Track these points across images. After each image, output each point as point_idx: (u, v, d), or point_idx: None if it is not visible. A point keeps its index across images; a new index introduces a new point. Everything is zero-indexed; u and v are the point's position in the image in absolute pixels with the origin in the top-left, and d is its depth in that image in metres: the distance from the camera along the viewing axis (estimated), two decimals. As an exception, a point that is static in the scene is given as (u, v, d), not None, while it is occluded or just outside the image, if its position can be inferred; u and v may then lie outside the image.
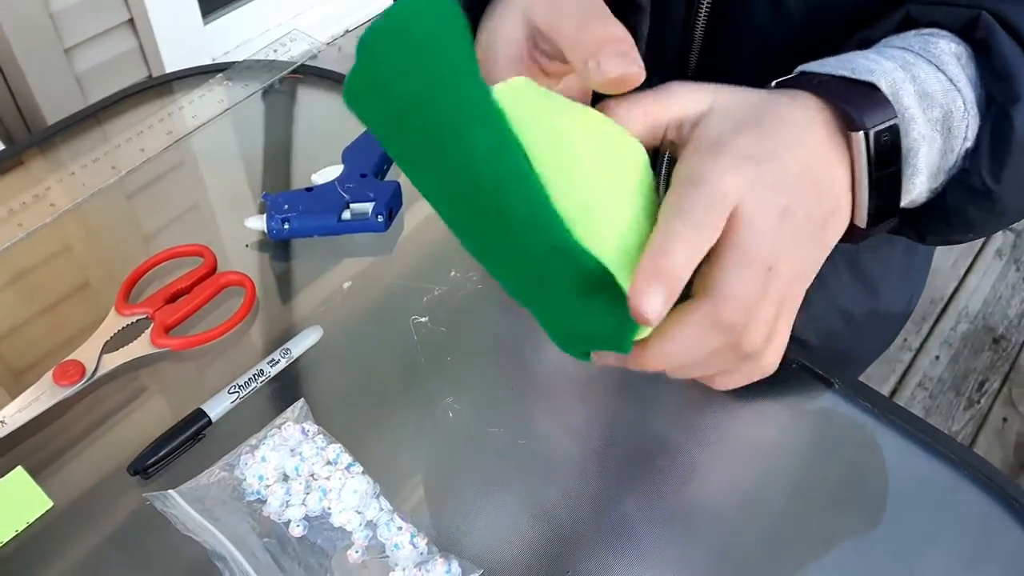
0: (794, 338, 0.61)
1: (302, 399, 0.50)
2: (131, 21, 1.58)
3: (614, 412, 0.53)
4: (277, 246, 0.61)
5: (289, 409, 0.50)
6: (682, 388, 0.55)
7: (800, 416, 0.55)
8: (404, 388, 0.53)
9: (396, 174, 0.67)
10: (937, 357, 1.70)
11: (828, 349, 0.64)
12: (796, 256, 0.33)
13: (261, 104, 0.72)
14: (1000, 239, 1.95)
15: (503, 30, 0.35)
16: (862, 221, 0.36)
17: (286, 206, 0.60)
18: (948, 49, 0.36)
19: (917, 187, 0.37)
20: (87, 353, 0.52)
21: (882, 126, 0.33)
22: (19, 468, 0.47)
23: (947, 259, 1.88)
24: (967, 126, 0.36)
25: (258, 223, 0.60)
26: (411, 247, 0.62)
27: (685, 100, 0.33)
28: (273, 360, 0.52)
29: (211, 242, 0.60)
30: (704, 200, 0.30)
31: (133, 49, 1.62)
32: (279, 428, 0.49)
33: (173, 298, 0.55)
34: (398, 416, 0.51)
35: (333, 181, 0.62)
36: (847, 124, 0.34)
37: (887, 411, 0.54)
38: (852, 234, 0.37)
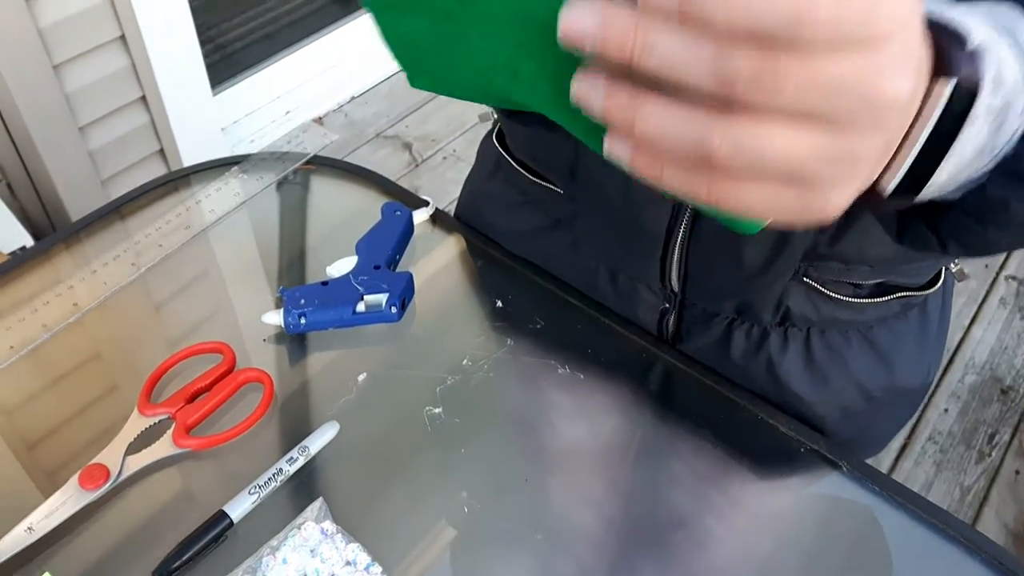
0: (810, 420, 0.62)
1: (320, 498, 0.52)
2: (143, 98, 1.63)
3: (629, 489, 0.54)
4: (293, 340, 0.62)
5: (308, 508, 0.51)
6: (696, 462, 0.56)
7: (810, 495, 0.56)
8: (420, 483, 0.54)
9: (407, 264, 0.69)
10: (946, 410, 1.70)
11: (847, 429, 0.64)
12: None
13: (276, 196, 0.74)
14: (1004, 288, 1.96)
15: None
16: (892, 179, 0.32)
17: (302, 300, 0.62)
18: None
19: (942, 173, 0.33)
20: (111, 455, 0.53)
21: (967, 80, 0.30)
22: (47, 575, 0.48)
23: (951, 310, 1.89)
24: (1018, 127, 0.33)
25: (275, 318, 0.61)
26: (423, 336, 0.64)
27: None
28: (291, 458, 0.53)
29: (229, 336, 0.61)
30: None
31: (145, 124, 1.66)
32: (299, 528, 0.50)
33: (194, 397, 0.57)
34: (415, 513, 0.52)
35: (348, 274, 0.64)
36: (937, 68, 0.30)
37: (893, 492, 0.55)
38: (867, 198, 0.32)
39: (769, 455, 0.58)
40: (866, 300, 0.57)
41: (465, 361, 0.61)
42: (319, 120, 2.21)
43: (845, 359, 0.61)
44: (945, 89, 0.30)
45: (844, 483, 0.56)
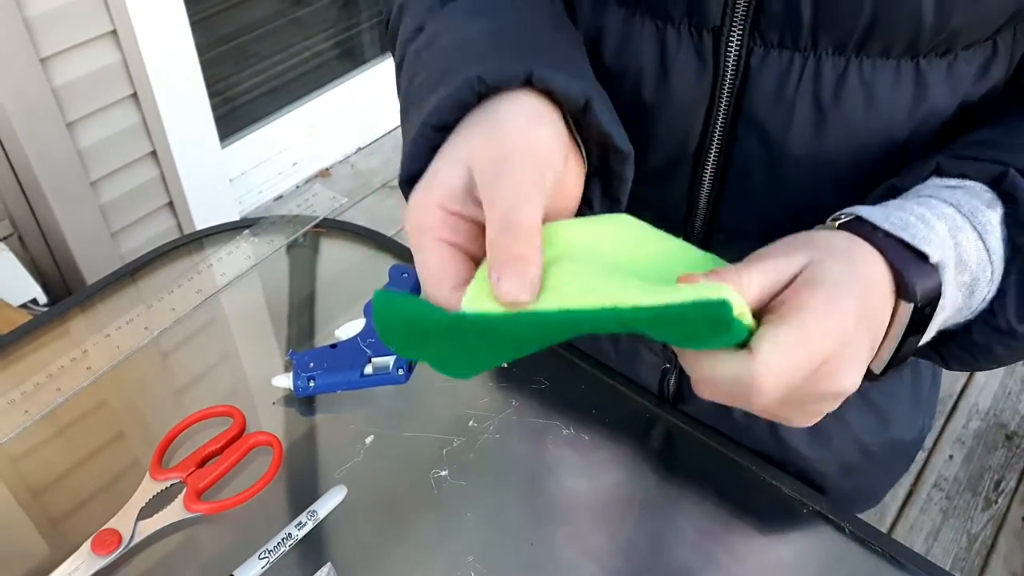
0: (811, 475, 0.63)
1: (328, 563, 0.52)
2: (153, 152, 1.66)
3: (635, 550, 0.55)
4: (302, 402, 0.64)
5: (317, 574, 0.52)
6: (702, 523, 0.57)
7: (813, 554, 0.57)
8: (426, 548, 0.55)
9: (414, 325, 0.70)
10: (951, 456, 1.70)
11: (847, 483, 0.66)
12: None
13: (286, 259, 0.76)
14: (1004, 333, 1.96)
15: (440, 174, 0.36)
16: (878, 368, 0.39)
17: (311, 364, 0.63)
18: (993, 219, 0.38)
19: (924, 338, 0.39)
20: (123, 521, 0.54)
21: (928, 298, 0.36)
22: (59, 642, 0.48)
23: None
24: (988, 292, 0.39)
25: (285, 381, 0.63)
26: (430, 397, 0.65)
27: (782, 265, 0.35)
28: (300, 523, 0.54)
29: (240, 399, 0.63)
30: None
31: (155, 178, 1.70)
32: (308, 594, 0.50)
33: (204, 461, 0.58)
34: (422, 576, 0.53)
35: (355, 337, 0.65)
36: (899, 289, 0.36)
37: (895, 553, 0.55)
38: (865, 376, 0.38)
39: (772, 514, 0.59)
40: None
41: (471, 423, 0.62)
42: (326, 171, 2.25)
43: (844, 418, 0.62)
44: (907, 311, 0.36)
45: (846, 543, 0.56)
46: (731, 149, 0.47)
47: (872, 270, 0.36)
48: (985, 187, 0.40)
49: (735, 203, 0.49)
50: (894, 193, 0.42)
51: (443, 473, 0.59)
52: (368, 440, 0.61)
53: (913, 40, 0.41)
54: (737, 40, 0.43)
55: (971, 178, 0.40)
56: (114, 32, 1.49)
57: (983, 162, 0.40)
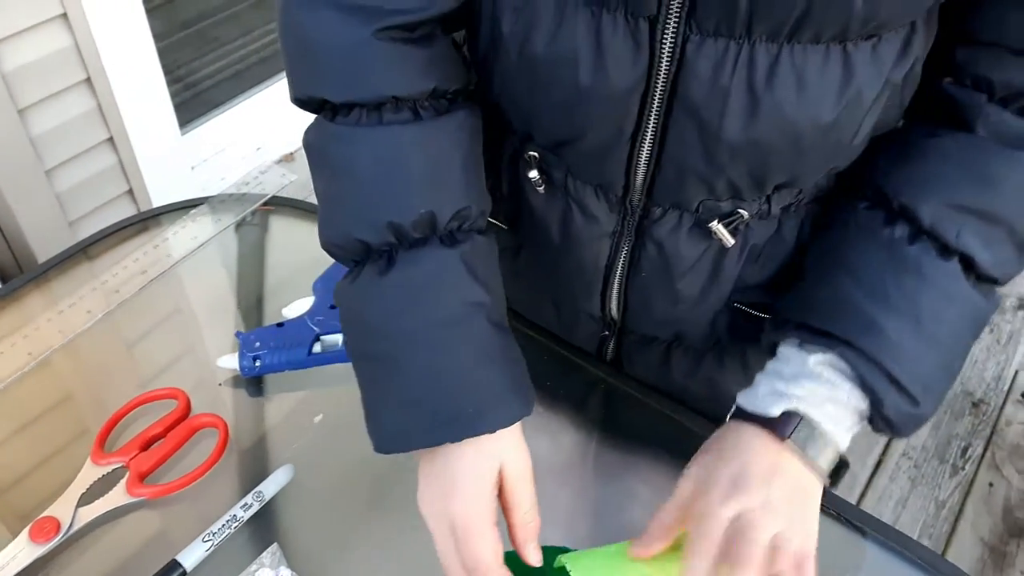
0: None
1: (275, 543, 0.51)
2: (111, 139, 1.62)
3: (596, 508, 0.55)
4: (250, 382, 0.62)
5: (263, 554, 0.51)
6: (661, 481, 0.56)
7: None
8: (375, 523, 0.54)
9: (365, 302, 0.69)
10: (919, 425, 1.71)
11: None
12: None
13: (235, 237, 0.74)
14: (970, 302, 1.98)
15: (474, 469, 0.45)
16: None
17: (258, 343, 0.62)
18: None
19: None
20: (63, 508, 0.52)
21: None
22: (-6, 633, 0.47)
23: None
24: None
25: (231, 362, 0.61)
26: (381, 375, 0.64)
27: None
28: (246, 504, 0.53)
29: (186, 381, 0.61)
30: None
31: (113, 165, 1.66)
32: (253, 575, 0.49)
33: (148, 444, 0.56)
34: (370, 553, 0.52)
35: (303, 315, 0.64)
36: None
37: (861, 522, 0.55)
38: None
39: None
40: None
41: (423, 398, 0.61)
42: (290, 156, 2.22)
43: (718, 383, 0.64)
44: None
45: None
46: (666, 132, 0.47)
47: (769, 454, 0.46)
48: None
49: (671, 181, 0.50)
50: (772, 351, 0.51)
51: (393, 450, 0.58)
52: (317, 419, 0.60)
53: (843, 28, 0.42)
54: (673, 28, 0.43)
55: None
56: (64, 15, 1.45)
57: (831, 339, 0.47)
